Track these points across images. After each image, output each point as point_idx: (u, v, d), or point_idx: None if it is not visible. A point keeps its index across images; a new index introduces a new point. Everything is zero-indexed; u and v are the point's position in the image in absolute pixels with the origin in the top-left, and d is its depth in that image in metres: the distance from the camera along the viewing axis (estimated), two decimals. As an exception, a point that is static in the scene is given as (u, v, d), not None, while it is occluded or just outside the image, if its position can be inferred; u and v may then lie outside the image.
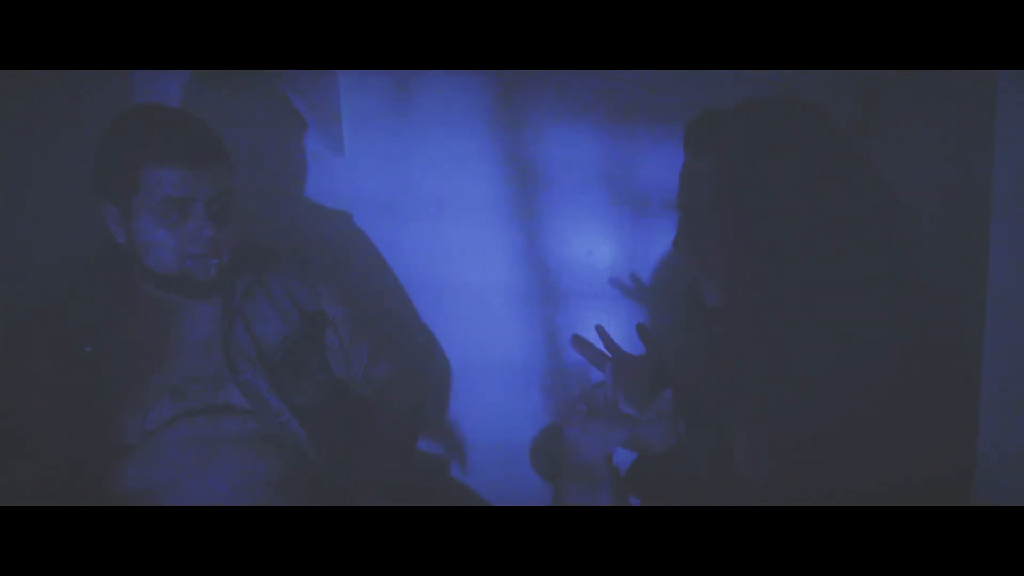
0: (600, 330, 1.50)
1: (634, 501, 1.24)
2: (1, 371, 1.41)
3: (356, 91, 1.70)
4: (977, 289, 0.96)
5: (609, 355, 1.47)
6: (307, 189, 1.75)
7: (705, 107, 1.15)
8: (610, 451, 1.30)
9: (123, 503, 1.38)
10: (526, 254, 1.72)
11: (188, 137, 1.40)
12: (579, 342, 1.49)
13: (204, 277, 1.43)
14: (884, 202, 1.08)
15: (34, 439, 1.37)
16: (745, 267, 1.09)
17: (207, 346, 1.46)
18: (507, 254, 1.73)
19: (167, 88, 1.65)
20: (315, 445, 1.46)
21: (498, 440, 1.78)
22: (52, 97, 1.55)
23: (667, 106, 1.60)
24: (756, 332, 1.10)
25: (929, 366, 1.03)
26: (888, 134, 1.39)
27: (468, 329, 1.77)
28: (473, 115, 1.67)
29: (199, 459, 1.39)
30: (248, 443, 1.42)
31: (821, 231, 1.05)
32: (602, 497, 1.30)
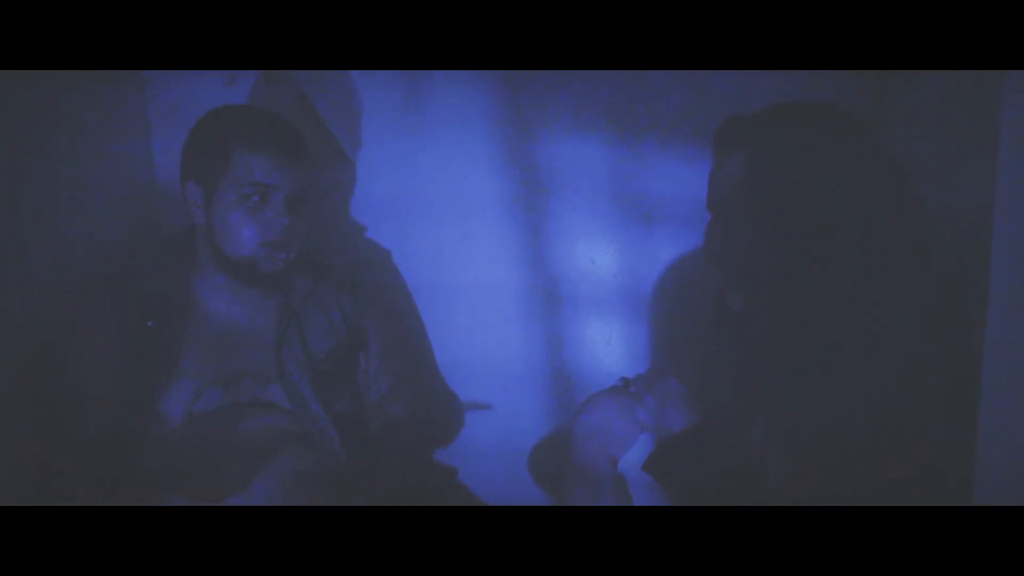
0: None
1: (646, 493, 1.24)
2: (62, 334, 1.42)
3: (365, 91, 1.71)
4: (979, 289, 0.96)
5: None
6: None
7: (731, 115, 1.17)
8: (615, 456, 1.30)
9: (151, 484, 1.38)
10: (529, 260, 1.72)
11: (280, 131, 1.46)
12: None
13: (271, 268, 1.46)
14: (906, 205, 1.09)
15: (82, 405, 1.39)
16: (771, 268, 1.09)
17: (261, 341, 1.49)
18: (510, 259, 1.73)
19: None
20: (345, 450, 1.48)
21: (499, 444, 1.77)
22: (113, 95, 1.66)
23: (673, 115, 1.61)
24: (777, 334, 1.10)
25: (929, 366, 1.03)
26: (893, 134, 1.39)
27: (470, 332, 1.77)
28: (480, 120, 1.68)
29: (233, 450, 1.41)
30: (283, 441, 1.44)
31: (845, 232, 1.05)
32: (605, 502, 1.30)
